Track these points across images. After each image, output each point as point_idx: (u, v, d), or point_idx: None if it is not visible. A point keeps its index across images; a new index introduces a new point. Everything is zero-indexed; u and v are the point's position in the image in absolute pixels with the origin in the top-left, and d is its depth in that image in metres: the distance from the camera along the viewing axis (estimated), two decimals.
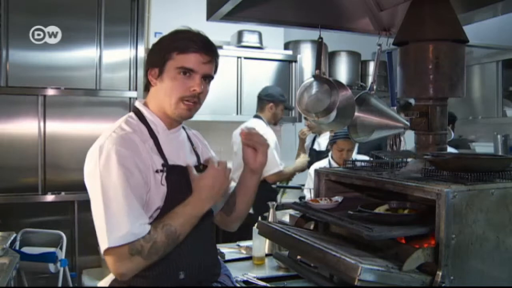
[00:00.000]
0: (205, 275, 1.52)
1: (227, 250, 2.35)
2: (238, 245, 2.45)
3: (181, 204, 1.42)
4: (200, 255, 1.49)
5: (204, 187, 1.45)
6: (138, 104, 1.55)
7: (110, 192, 1.34)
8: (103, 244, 1.31)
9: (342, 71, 4.78)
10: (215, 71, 1.54)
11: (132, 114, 1.53)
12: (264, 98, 3.70)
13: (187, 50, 1.46)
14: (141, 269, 1.35)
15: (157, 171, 1.43)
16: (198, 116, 1.58)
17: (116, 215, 1.32)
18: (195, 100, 1.48)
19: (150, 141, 1.46)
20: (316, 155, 4.07)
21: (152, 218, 1.43)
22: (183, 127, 1.63)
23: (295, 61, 4.39)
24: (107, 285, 1.45)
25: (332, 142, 3.34)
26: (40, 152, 3.44)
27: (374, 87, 2.00)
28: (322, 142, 4.23)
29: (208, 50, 1.49)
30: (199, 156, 1.62)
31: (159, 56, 1.49)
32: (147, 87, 1.55)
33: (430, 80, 1.67)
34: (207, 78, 1.51)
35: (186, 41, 1.47)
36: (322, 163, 3.45)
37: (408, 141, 2.18)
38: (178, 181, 1.46)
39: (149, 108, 1.53)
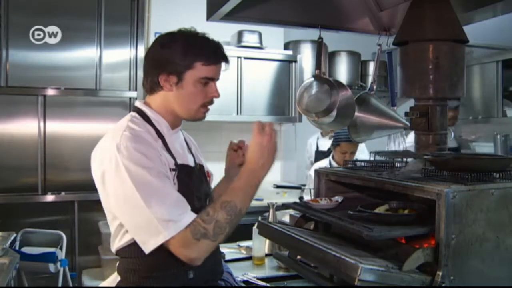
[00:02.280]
0: (211, 274, 1.53)
1: (227, 250, 2.35)
2: (238, 245, 2.45)
3: (235, 179, 1.43)
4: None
5: (254, 157, 1.43)
6: (139, 104, 1.54)
7: (146, 186, 1.31)
8: (161, 237, 1.29)
9: (342, 71, 4.78)
10: None
11: (135, 114, 1.51)
12: None
13: (213, 63, 1.47)
14: (211, 250, 1.35)
15: (169, 170, 1.43)
16: None
17: (163, 205, 1.30)
18: (211, 104, 1.53)
19: (159, 141, 1.46)
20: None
21: None
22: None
23: (295, 61, 4.38)
24: (113, 285, 1.45)
25: (335, 144, 3.33)
26: (40, 152, 3.44)
27: (374, 87, 2.01)
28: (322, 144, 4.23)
29: (227, 59, 1.52)
30: (194, 156, 1.62)
31: (178, 64, 1.45)
32: (154, 89, 1.51)
33: (430, 80, 1.67)
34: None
35: (209, 52, 1.47)
36: (323, 163, 3.45)
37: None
38: (187, 179, 1.47)
39: (151, 107, 1.52)
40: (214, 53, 1.48)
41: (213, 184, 1.75)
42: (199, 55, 1.45)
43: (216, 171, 1.73)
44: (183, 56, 1.45)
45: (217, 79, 1.52)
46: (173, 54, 1.46)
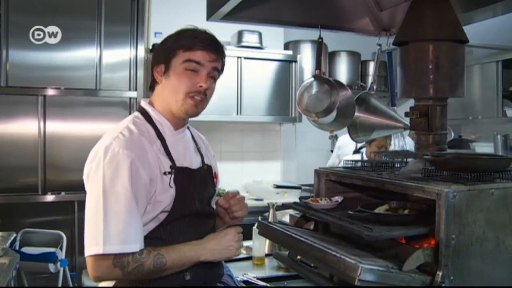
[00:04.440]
0: (209, 276, 1.52)
1: None
2: None
3: (185, 243, 1.42)
4: None
5: (214, 242, 1.46)
6: (144, 104, 1.54)
7: (111, 197, 1.32)
8: (94, 248, 1.31)
9: (342, 71, 4.77)
10: (221, 71, 1.54)
11: (138, 114, 1.52)
12: None
13: (192, 48, 1.46)
14: (116, 279, 1.37)
15: (165, 173, 1.42)
16: (198, 116, 1.58)
17: (114, 224, 1.31)
18: (202, 97, 1.48)
19: (158, 142, 1.46)
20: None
21: (158, 219, 1.43)
22: (188, 127, 1.62)
23: (295, 61, 4.38)
24: (110, 285, 1.45)
25: (371, 140, 3.40)
26: (40, 152, 3.44)
27: (374, 87, 2.01)
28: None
29: (214, 48, 1.49)
30: (203, 156, 1.62)
31: (164, 53, 1.48)
32: (152, 85, 1.54)
33: (430, 80, 1.67)
34: (213, 76, 1.51)
35: (191, 38, 1.47)
36: (355, 158, 3.52)
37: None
38: (186, 182, 1.46)
39: (154, 107, 1.52)
40: (195, 39, 1.47)
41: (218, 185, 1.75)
42: (181, 42, 1.47)
43: None
44: (169, 46, 1.49)
45: (208, 68, 1.47)
46: (162, 45, 1.52)
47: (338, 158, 4.32)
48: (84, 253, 1.34)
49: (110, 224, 1.31)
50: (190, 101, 1.47)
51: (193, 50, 1.46)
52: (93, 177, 1.36)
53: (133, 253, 1.33)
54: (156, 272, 1.36)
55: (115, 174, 1.33)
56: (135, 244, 1.34)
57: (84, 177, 1.42)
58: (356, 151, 4.14)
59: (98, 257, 1.31)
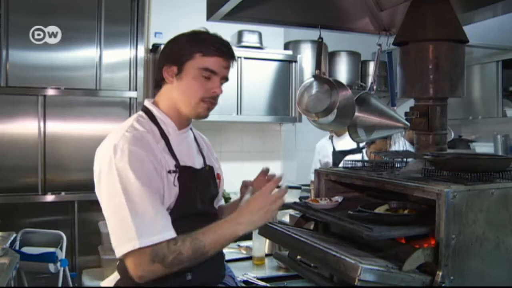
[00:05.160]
0: (211, 277, 1.52)
1: (227, 250, 2.35)
2: (238, 245, 2.45)
3: (217, 221, 1.41)
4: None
5: (247, 212, 1.40)
6: (147, 104, 1.54)
7: (133, 191, 1.31)
8: (129, 245, 1.29)
9: (342, 71, 4.77)
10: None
11: (142, 113, 1.52)
12: None
13: (210, 54, 1.46)
14: (161, 276, 1.33)
15: (169, 172, 1.42)
16: None
17: (143, 216, 1.30)
18: (214, 101, 1.50)
19: (162, 142, 1.46)
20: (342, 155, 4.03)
21: None
22: (190, 128, 1.62)
23: (295, 61, 4.38)
24: (111, 284, 1.44)
25: (371, 142, 3.40)
26: (40, 152, 3.44)
27: (374, 87, 2.01)
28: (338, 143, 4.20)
29: (229, 55, 1.50)
30: (204, 157, 1.62)
31: (178, 54, 1.48)
32: (158, 84, 1.54)
33: (430, 80, 1.67)
34: (223, 80, 1.52)
35: (210, 44, 1.47)
36: (356, 158, 3.51)
37: None
38: (190, 182, 1.46)
39: (159, 107, 1.53)
40: (213, 45, 1.47)
41: (223, 186, 1.74)
42: (198, 46, 1.47)
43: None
44: (184, 47, 1.48)
45: (221, 74, 1.49)
46: (175, 46, 1.50)
47: (319, 162, 4.33)
48: (116, 254, 1.32)
49: (139, 217, 1.30)
50: (204, 104, 1.49)
51: (210, 56, 1.46)
52: (107, 178, 1.35)
53: (168, 244, 1.31)
54: (197, 257, 1.34)
55: (129, 169, 1.32)
56: (169, 231, 1.33)
57: (95, 180, 1.40)
58: (334, 150, 4.15)
59: (135, 254, 1.30)
